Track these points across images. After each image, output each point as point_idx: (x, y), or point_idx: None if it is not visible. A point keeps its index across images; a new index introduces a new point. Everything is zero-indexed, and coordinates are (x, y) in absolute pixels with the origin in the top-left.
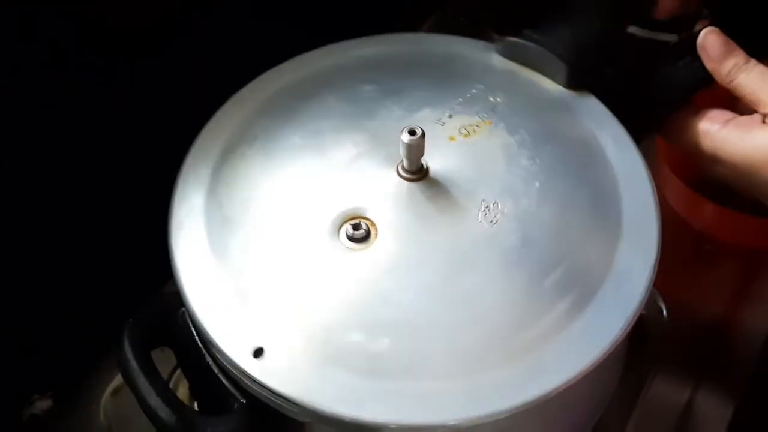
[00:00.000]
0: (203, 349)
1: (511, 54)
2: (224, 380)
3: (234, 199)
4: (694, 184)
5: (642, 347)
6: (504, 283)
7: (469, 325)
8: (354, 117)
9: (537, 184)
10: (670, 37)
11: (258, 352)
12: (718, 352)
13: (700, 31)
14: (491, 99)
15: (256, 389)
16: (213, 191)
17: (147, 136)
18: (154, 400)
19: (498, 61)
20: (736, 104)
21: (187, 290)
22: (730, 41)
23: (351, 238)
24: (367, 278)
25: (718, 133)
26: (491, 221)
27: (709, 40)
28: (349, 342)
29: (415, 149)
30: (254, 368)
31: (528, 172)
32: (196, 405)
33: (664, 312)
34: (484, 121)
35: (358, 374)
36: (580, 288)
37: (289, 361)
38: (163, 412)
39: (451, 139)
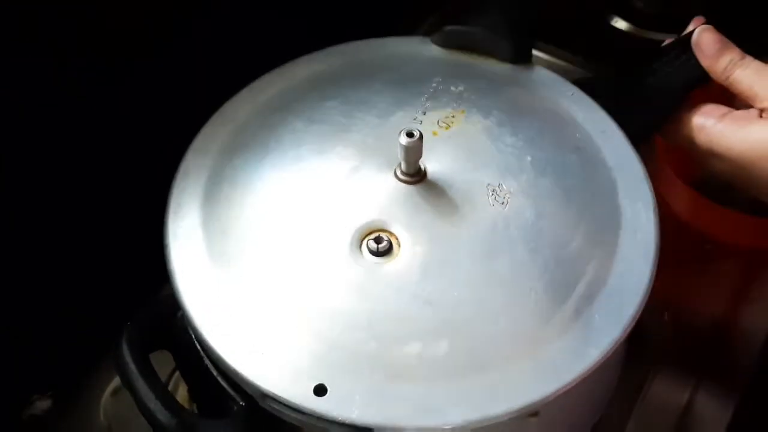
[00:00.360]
0: (202, 351)
1: (450, 42)
2: (223, 383)
3: (233, 246)
4: (694, 184)
5: (642, 347)
6: (532, 259)
7: (515, 306)
8: (330, 135)
9: (528, 158)
10: (667, 37)
11: (320, 391)
12: (718, 353)
13: (695, 29)
14: (453, 89)
15: (319, 424)
16: (208, 252)
17: (147, 136)
18: (152, 403)
19: (439, 52)
20: (733, 102)
21: (213, 344)
22: (725, 38)
23: (375, 253)
24: (405, 288)
25: (713, 127)
26: (503, 203)
27: (704, 37)
28: (408, 354)
29: (414, 151)
30: (321, 405)
31: (516, 148)
32: (195, 407)
33: (664, 312)
34: (457, 111)
35: (427, 383)
36: (601, 246)
37: (350, 388)
38: (162, 415)
39: (435, 134)
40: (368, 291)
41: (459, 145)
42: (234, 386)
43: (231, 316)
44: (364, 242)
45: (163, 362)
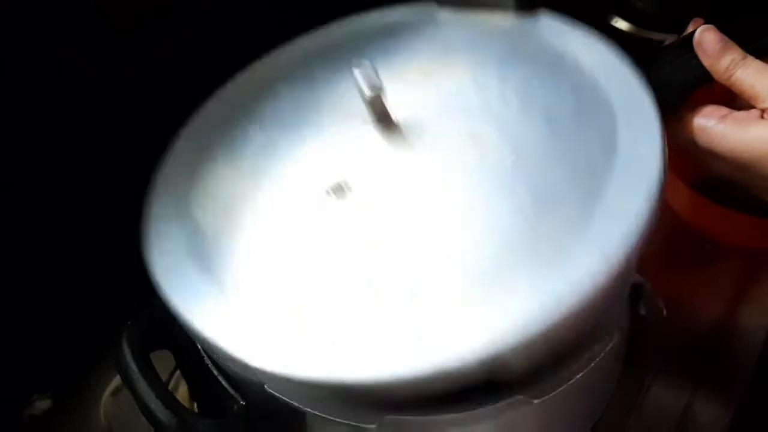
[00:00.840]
0: (202, 351)
1: (453, 2)
2: (224, 382)
3: (213, 214)
4: (694, 184)
5: (641, 347)
6: (508, 207)
7: (479, 248)
8: (313, 99)
9: (515, 101)
10: (667, 37)
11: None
12: (717, 353)
13: (696, 29)
14: (445, 43)
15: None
16: (187, 218)
17: (148, 136)
18: (153, 403)
19: (445, 14)
20: (734, 102)
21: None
22: (727, 38)
23: (336, 203)
24: (363, 237)
25: (714, 128)
26: (479, 148)
27: (706, 37)
28: (354, 307)
29: (377, 101)
30: (273, 363)
31: (501, 92)
32: (195, 407)
33: (664, 312)
34: (445, 63)
35: (369, 334)
36: (588, 187)
37: (288, 338)
38: (163, 414)
39: (412, 82)
40: (327, 242)
41: (439, 90)
42: (234, 385)
43: (192, 269)
44: (327, 193)
45: (163, 362)
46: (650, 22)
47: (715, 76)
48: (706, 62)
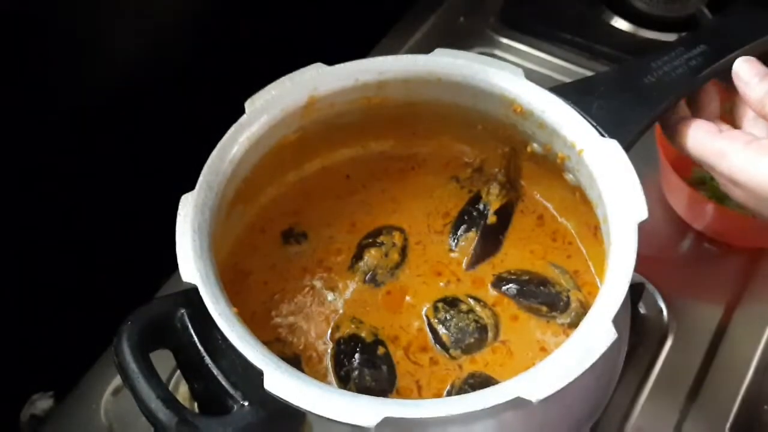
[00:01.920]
0: (203, 350)
1: None
2: (224, 382)
3: None
4: (694, 183)
5: (641, 347)
6: None
7: None
8: None
9: None
10: (667, 37)
11: None
12: (717, 352)
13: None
14: None
15: None
16: None
17: (148, 137)
18: (153, 403)
19: None
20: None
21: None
22: (765, 69)
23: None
24: None
25: (736, 155)
26: None
27: (744, 67)
28: None
29: None
30: None
31: None
32: (195, 406)
33: (664, 312)
34: None
35: None
36: None
37: None
38: (163, 414)
39: None
40: None
41: None
42: (234, 385)
43: None
44: None
45: (163, 362)
46: (650, 22)
47: (749, 105)
48: (742, 91)
